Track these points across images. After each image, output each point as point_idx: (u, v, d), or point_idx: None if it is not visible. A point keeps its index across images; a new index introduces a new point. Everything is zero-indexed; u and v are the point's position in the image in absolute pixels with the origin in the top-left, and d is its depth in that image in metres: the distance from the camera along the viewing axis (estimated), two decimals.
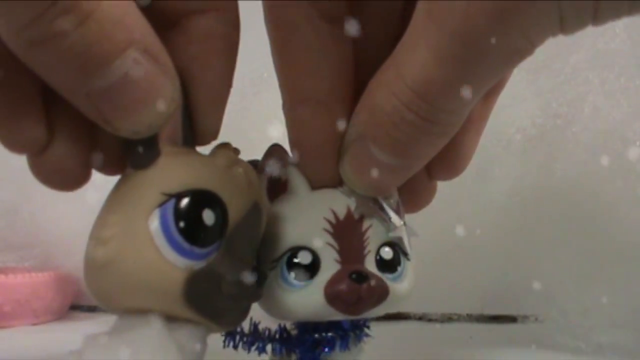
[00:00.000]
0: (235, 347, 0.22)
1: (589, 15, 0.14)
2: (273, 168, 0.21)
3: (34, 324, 0.45)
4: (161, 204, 0.17)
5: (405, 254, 0.22)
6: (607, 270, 0.36)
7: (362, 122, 0.19)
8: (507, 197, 0.41)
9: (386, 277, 0.20)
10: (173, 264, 0.17)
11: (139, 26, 0.16)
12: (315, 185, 0.21)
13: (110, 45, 0.15)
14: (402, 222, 0.21)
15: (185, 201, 0.17)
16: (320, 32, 0.19)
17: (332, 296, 0.20)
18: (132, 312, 0.17)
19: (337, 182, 0.21)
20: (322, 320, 0.21)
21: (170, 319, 0.18)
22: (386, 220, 0.21)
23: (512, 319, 0.42)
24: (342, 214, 0.20)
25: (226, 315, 0.19)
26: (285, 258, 0.20)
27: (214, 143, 0.21)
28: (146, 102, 0.16)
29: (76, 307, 0.49)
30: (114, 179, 0.19)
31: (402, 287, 0.21)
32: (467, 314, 0.44)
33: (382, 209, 0.21)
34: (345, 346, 0.21)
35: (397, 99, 0.17)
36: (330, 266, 0.20)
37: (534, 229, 0.40)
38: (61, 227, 0.49)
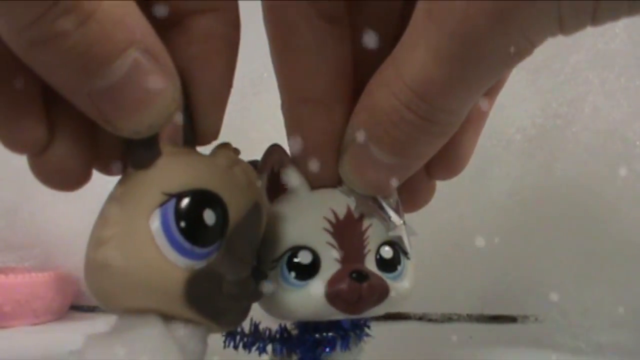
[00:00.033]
0: (235, 347, 0.22)
1: (588, 15, 0.14)
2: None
3: (34, 324, 0.45)
4: (162, 204, 0.17)
5: (405, 253, 0.22)
6: (607, 270, 0.36)
7: (361, 122, 0.19)
8: (507, 197, 0.41)
9: (386, 276, 0.20)
10: (174, 263, 0.17)
11: (140, 26, 0.16)
12: (314, 185, 0.21)
13: (111, 45, 0.15)
14: (401, 221, 0.21)
15: (185, 201, 0.17)
16: (320, 32, 0.19)
17: (333, 295, 0.20)
18: (133, 312, 0.17)
19: (336, 182, 0.21)
20: (323, 319, 0.21)
21: (171, 319, 0.18)
22: (386, 219, 0.21)
23: (512, 319, 0.42)
24: (342, 214, 0.21)
25: (226, 315, 0.19)
26: (285, 258, 0.20)
27: (214, 143, 0.21)
28: (147, 102, 0.16)
29: (76, 307, 0.49)
30: (114, 179, 0.19)
31: (403, 286, 0.21)
32: (467, 314, 0.44)
33: (381, 208, 0.21)
34: (346, 346, 0.21)
35: (397, 99, 0.17)
36: (330, 266, 0.20)
37: (534, 229, 0.40)
38: (61, 227, 0.49)
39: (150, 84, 0.16)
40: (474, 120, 0.22)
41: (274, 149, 0.22)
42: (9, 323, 0.44)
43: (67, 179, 0.18)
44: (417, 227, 0.22)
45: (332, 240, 0.20)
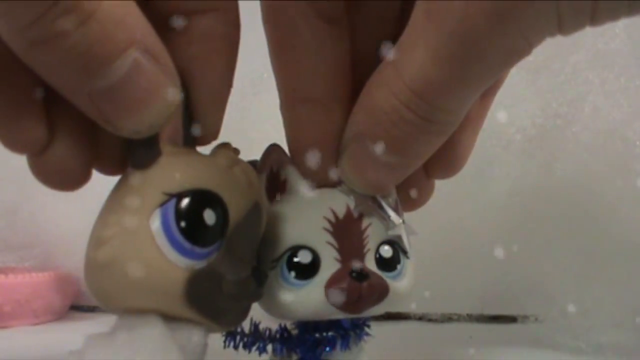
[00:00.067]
0: (235, 347, 0.22)
1: (586, 15, 0.14)
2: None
3: (34, 324, 0.45)
4: (162, 204, 0.17)
5: (405, 252, 0.22)
6: (607, 270, 0.36)
7: (360, 121, 0.19)
8: (507, 197, 0.41)
9: (386, 276, 0.21)
10: (174, 263, 0.17)
11: (140, 26, 0.16)
12: (314, 185, 0.21)
13: (112, 45, 0.15)
14: (401, 221, 0.21)
15: (186, 201, 0.17)
16: (318, 32, 0.19)
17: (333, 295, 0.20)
18: (133, 312, 0.17)
19: (335, 182, 0.21)
20: (323, 319, 0.21)
21: (171, 319, 0.18)
22: (385, 218, 0.21)
23: (512, 319, 0.42)
24: (341, 213, 0.21)
25: (227, 315, 0.19)
26: (285, 257, 0.20)
27: (214, 143, 0.21)
28: (147, 102, 0.16)
29: (76, 307, 0.49)
30: (114, 179, 0.19)
31: (402, 285, 0.21)
32: (467, 314, 0.44)
33: (381, 207, 0.21)
34: (346, 346, 0.22)
35: (396, 98, 0.17)
36: (330, 265, 0.20)
37: (534, 229, 0.40)
38: (61, 227, 0.49)
39: (150, 84, 0.16)
40: (473, 120, 0.22)
41: (273, 149, 0.22)
42: (9, 323, 0.44)
43: (67, 179, 0.18)
44: (417, 227, 0.22)
45: (332, 240, 0.20)
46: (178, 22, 0.18)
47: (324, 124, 0.20)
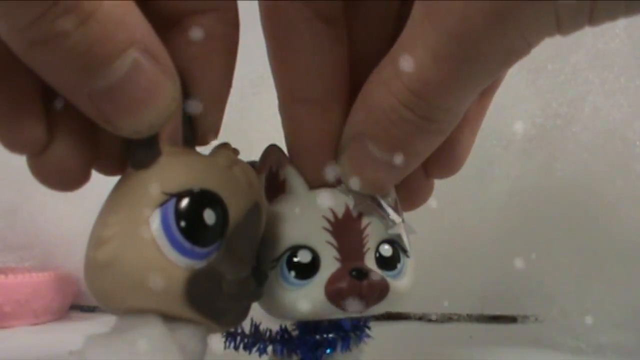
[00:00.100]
0: (236, 348, 0.22)
1: (585, 16, 0.14)
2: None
3: (34, 324, 0.45)
4: (162, 204, 0.17)
5: (405, 251, 0.22)
6: (607, 270, 0.36)
7: (359, 121, 0.19)
8: (507, 197, 0.41)
9: (386, 275, 0.20)
10: (174, 263, 0.17)
11: (140, 26, 0.16)
12: (313, 185, 0.21)
13: (112, 45, 0.15)
14: (400, 220, 0.21)
15: (186, 201, 0.17)
16: (317, 33, 0.19)
17: (333, 294, 0.20)
18: (133, 312, 0.17)
19: (335, 181, 0.21)
20: (323, 318, 0.21)
21: (171, 319, 0.18)
22: (385, 217, 0.21)
23: (512, 319, 0.42)
24: (340, 213, 0.21)
25: (227, 314, 0.19)
26: (285, 257, 0.20)
27: (214, 143, 0.21)
28: (147, 102, 0.16)
29: (76, 307, 0.50)
30: (114, 179, 0.19)
31: (402, 284, 0.21)
32: (467, 314, 0.44)
33: (380, 206, 0.21)
34: (346, 347, 0.22)
35: (395, 98, 0.17)
36: (330, 264, 0.20)
37: (534, 229, 0.40)
38: (61, 227, 0.49)
39: (150, 84, 0.16)
40: (471, 119, 0.22)
41: (272, 149, 0.22)
42: (9, 323, 0.44)
43: (67, 179, 0.18)
44: (416, 227, 0.22)
45: (332, 239, 0.20)
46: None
47: (322, 124, 0.20)
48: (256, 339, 0.22)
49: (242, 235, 0.18)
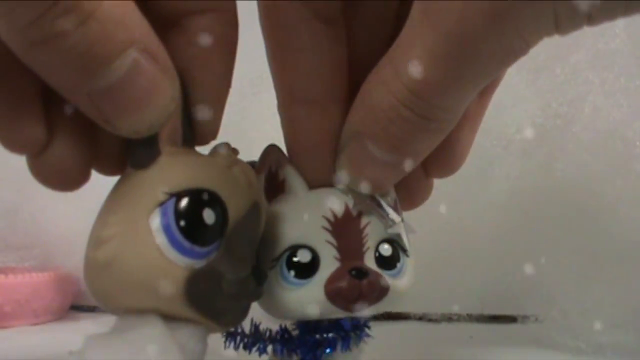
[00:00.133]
0: (236, 348, 0.22)
1: (583, 15, 0.14)
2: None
3: (34, 324, 0.45)
4: (161, 203, 0.17)
5: (404, 251, 0.22)
6: (607, 270, 0.36)
7: (358, 120, 0.19)
8: (507, 197, 0.41)
9: (386, 274, 0.21)
10: (174, 263, 0.17)
11: (139, 26, 0.16)
12: (312, 185, 0.21)
13: (111, 45, 0.15)
14: (400, 219, 0.21)
15: (185, 200, 0.17)
16: (315, 33, 0.19)
17: (333, 293, 0.20)
18: (133, 312, 0.17)
19: (334, 181, 0.21)
20: (323, 318, 0.21)
21: (171, 319, 0.18)
22: (384, 217, 0.21)
23: (512, 319, 0.42)
24: (340, 212, 0.21)
25: (226, 314, 0.19)
26: (284, 257, 0.20)
27: (213, 143, 0.21)
28: (147, 102, 0.16)
29: (76, 307, 0.49)
30: (114, 179, 0.19)
31: (402, 283, 0.21)
32: (467, 314, 0.43)
33: (379, 206, 0.21)
34: (346, 347, 0.22)
35: (394, 97, 0.17)
36: (329, 264, 0.20)
37: (534, 229, 0.40)
38: (61, 227, 0.49)
39: (149, 84, 0.16)
40: (471, 118, 0.22)
41: (271, 149, 0.22)
42: (9, 323, 0.44)
43: (66, 180, 0.18)
44: (416, 227, 0.22)
45: (331, 239, 0.20)
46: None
47: (321, 123, 0.21)
48: (256, 338, 0.22)
49: (241, 234, 0.18)
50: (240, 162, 0.20)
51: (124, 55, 0.15)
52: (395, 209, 0.21)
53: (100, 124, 0.16)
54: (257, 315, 0.21)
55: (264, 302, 0.21)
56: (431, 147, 0.19)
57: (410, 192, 0.23)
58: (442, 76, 0.16)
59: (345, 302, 0.20)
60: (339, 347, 0.21)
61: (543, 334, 0.36)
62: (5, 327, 0.43)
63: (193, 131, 0.20)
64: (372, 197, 0.21)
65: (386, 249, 0.21)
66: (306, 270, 0.20)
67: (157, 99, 0.16)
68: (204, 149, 0.20)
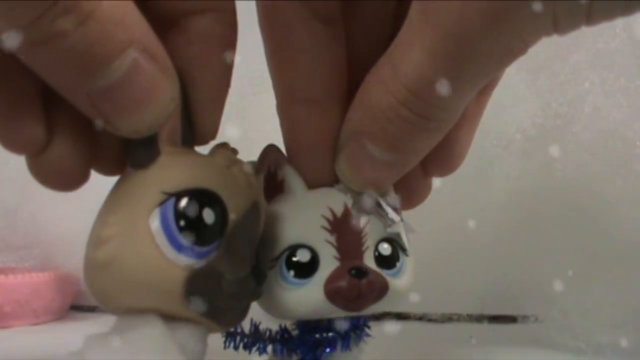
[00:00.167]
0: (236, 348, 0.22)
1: (582, 16, 0.14)
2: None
3: (34, 324, 0.45)
4: (161, 203, 0.17)
5: (404, 250, 0.22)
6: (607, 270, 0.36)
7: (357, 119, 0.19)
8: (507, 197, 0.41)
9: (385, 273, 0.21)
10: (174, 262, 0.17)
11: (139, 26, 0.16)
12: (311, 184, 0.21)
13: (111, 45, 0.15)
14: (399, 218, 0.21)
15: (185, 200, 0.17)
16: (314, 33, 0.19)
17: (333, 293, 0.20)
18: (133, 312, 0.17)
19: (333, 181, 0.21)
20: (323, 317, 0.21)
21: (171, 319, 0.18)
22: (383, 216, 0.21)
23: (512, 319, 0.42)
24: (339, 212, 0.21)
25: (226, 314, 0.19)
26: (284, 256, 0.20)
27: (213, 143, 0.21)
28: (146, 102, 0.16)
29: (76, 307, 0.50)
30: (114, 179, 0.19)
31: (402, 282, 0.21)
32: (467, 314, 0.43)
33: (379, 205, 0.21)
34: (346, 346, 0.22)
35: (393, 96, 0.17)
36: (329, 263, 0.20)
37: (534, 229, 0.40)
38: (61, 227, 0.49)
39: (149, 84, 0.16)
40: (469, 118, 0.22)
41: (270, 149, 0.22)
42: (9, 323, 0.44)
43: (66, 180, 0.18)
44: (416, 227, 0.22)
45: (331, 238, 0.20)
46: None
47: (320, 123, 0.21)
48: (256, 338, 0.22)
49: (241, 234, 0.18)
50: (239, 161, 0.20)
51: (124, 55, 0.15)
52: (395, 209, 0.21)
53: (100, 124, 0.16)
54: (257, 315, 0.21)
55: (263, 302, 0.21)
56: (430, 147, 0.19)
57: (409, 192, 0.23)
58: (441, 76, 0.16)
59: (344, 302, 0.20)
60: (338, 347, 0.21)
61: (543, 334, 0.36)
62: (5, 327, 0.43)
63: (193, 131, 0.20)
64: (371, 197, 0.21)
65: (385, 248, 0.21)
66: (306, 270, 0.20)
67: (156, 99, 0.16)
68: (204, 149, 0.20)
